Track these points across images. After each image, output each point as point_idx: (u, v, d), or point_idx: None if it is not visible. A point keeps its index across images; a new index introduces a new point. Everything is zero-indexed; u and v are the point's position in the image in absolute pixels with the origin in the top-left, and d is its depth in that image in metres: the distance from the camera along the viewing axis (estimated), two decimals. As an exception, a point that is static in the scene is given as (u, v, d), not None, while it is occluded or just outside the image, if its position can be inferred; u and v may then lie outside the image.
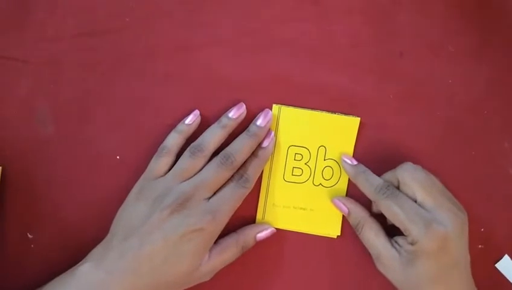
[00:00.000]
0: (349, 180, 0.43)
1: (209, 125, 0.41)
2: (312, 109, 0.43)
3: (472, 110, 0.44)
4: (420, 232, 0.37)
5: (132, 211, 0.38)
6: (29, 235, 0.42)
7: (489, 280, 0.45)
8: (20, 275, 0.41)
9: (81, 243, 0.40)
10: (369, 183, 0.41)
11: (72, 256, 0.39)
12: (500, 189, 0.45)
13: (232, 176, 0.40)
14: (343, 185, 0.44)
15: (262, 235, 0.42)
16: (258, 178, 0.42)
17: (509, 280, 0.45)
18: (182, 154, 0.40)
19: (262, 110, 0.42)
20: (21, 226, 0.41)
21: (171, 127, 0.41)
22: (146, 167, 0.40)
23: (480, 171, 0.44)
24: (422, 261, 0.37)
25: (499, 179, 0.45)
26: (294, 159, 0.43)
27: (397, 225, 0.39)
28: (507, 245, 0.45)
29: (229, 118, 0.41)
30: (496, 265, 0.45)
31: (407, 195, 0.39)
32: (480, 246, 0.44)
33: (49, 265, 0.40)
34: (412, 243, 0.38)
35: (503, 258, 0.45)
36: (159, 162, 0.40)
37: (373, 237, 0.41)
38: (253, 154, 0.41)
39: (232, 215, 0.40)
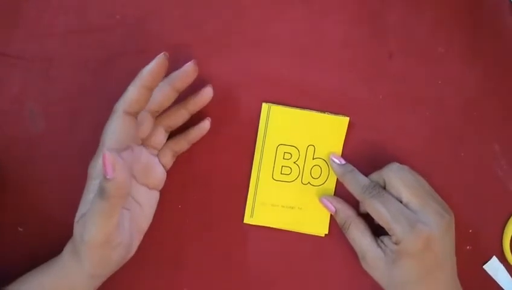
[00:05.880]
0: (337, 179, 0.43)
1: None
2: (301, 108, 0.43)
3: (462, 112, 0.44)
4: (404, 232, 0.37)
5: None
6: (20, 229, 0.42)
7: (478, 282, 0.45)
8: (9, 270, 0.41)
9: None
10: (356, 182, 0.41)
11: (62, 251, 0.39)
12: (489, 191, 0.45)
13: None
14: (331, 184, 0.44)
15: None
16: (247, 176, 0.43)
17: (497, 281, 0.45)
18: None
19: (251, 109, 0.43)
20: (12, 221, 0.42)
21: (161, 124, 0.42)
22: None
23: (469, 173, 0.44)
24: (406, 261, 0.38)
25: (488, 180, 0.45)
26: (283, 158, 0.43)
27: (382, 224, 0.39)
28: (495, 247, 0.45)
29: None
30: (484, 266, 0.45)
31: (393, 195, 0.39)
32: (468, 247, 0.44)
33: (39, 259, 0.41)
34: (396, 243, 0.38)
35: (491, 259, 0.45)
36: None
37: (359, 236, 0.41)
38: None
39: (219, 219, 0.40)
